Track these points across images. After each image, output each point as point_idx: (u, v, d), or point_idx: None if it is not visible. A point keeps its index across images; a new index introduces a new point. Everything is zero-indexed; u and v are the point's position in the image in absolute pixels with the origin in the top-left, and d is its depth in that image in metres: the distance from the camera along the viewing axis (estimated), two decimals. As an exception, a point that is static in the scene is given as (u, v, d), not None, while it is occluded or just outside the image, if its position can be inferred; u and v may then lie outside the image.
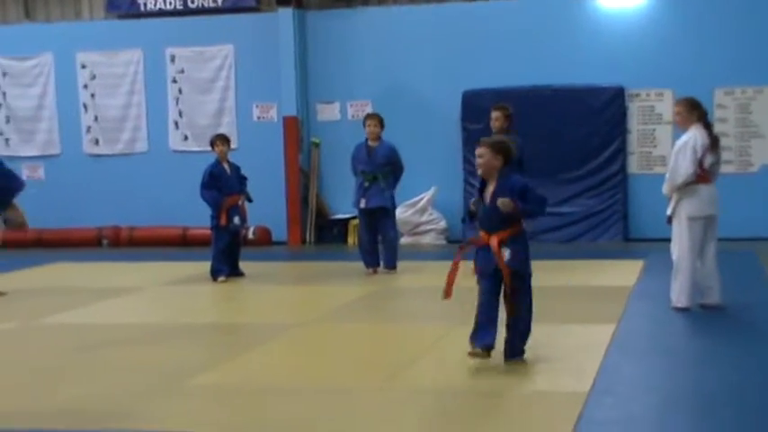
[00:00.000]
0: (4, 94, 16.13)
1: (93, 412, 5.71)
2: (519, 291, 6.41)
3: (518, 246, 6.40)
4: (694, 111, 8.42)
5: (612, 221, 14.30)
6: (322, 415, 5.46)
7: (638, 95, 14.20)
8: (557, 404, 5.55)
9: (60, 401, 5.98)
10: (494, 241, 6.33)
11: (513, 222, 6.38)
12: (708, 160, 8.28)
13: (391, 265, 11.29)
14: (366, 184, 11.16)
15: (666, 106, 13.90)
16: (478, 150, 6.50)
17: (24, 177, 12.59)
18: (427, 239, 14.66)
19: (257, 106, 15.47)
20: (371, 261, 11.28)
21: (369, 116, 11.43)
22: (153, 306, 9.95)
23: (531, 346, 6.65)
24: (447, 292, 6.42)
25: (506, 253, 6.30)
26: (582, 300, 9.22)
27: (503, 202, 6.26)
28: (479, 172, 6.53)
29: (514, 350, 6.53)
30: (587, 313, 8.48)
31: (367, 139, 11.26)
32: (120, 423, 5.44)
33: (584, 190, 14.35)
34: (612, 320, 7.98)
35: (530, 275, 6.49)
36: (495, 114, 10.61)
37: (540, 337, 7.48)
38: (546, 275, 10.78)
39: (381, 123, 11.25)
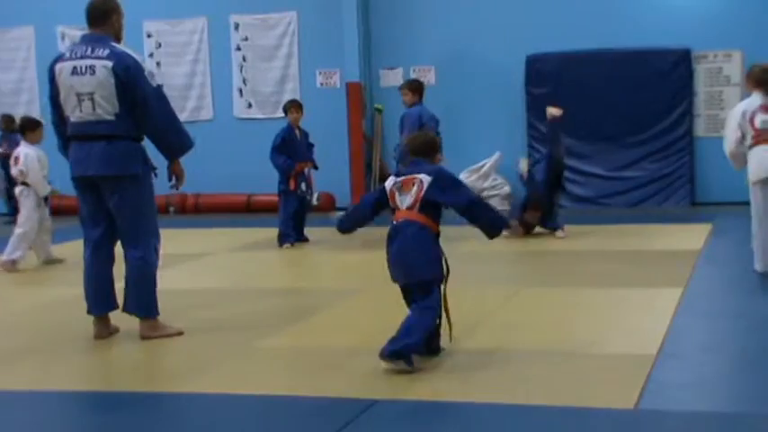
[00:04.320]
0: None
1: (164, 374, 5.81)
2: None
3: None
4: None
5: (679, 185, 14.14)
6: (382, 375, 5.50)
7: (705, 57, 13.99)
8: (624, 366, 5.51)
9: (130, 363, 6.09)
10: None
11: None
12: (759, 119, 7.94)
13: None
14: None
15: (734, 68, 13.70)
16: None
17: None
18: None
19: (320, 73, 15.51)
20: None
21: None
22: (221, 272, 10.07)
23: (599, 309, 6.57)
24: None
25: None
26: (648, 263, 9.14)
27: None
28: None
29: None
30: (654, 277, 8.41)
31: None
32: (194, 385, 5.53)
33: (650, 153, 14.20)
34: (680, 284, 7.91)
35: None
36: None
37: (606, 300, 7.49)
38: (610, 239, 10.79)
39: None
